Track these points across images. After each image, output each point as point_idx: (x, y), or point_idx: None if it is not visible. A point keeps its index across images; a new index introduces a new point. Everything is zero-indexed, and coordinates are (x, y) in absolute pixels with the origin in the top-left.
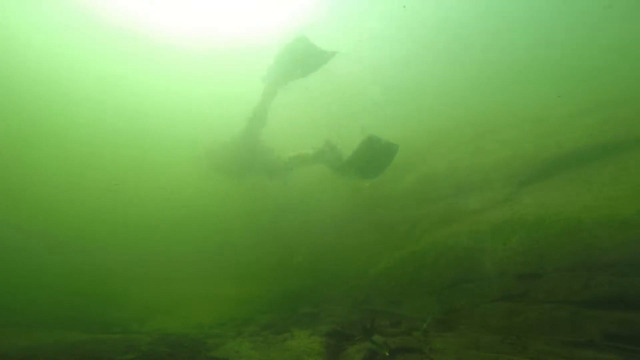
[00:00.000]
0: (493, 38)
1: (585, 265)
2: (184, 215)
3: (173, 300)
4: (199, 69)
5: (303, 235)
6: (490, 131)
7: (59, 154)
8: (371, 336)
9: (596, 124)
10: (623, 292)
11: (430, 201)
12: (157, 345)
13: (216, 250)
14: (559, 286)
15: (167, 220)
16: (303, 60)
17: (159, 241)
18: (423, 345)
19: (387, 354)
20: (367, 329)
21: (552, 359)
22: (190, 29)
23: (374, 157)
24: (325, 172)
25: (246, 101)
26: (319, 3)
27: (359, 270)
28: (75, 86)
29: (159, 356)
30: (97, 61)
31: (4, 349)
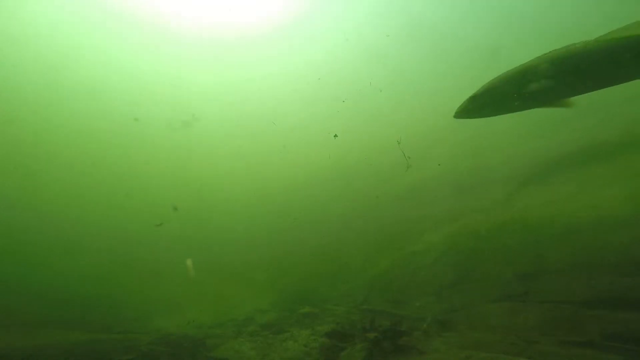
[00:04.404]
0: (484, 36)
1: (585, 265)
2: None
3: (173, 300)
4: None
5: (304, 234)
6: (490, 131)
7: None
8: (371, 336)
9: (596, 124)
10: (623, 292)
11: (430, 201)
12: (157, 345)
13: (214, 248)
14: (559, 286)
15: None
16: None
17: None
18: (423, 345)
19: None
20: (367, 329)
21: (552, 359)
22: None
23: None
24: (326, 171)
25: None
26: None
27: (359, 270)
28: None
29: (159, 356)
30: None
31: (4, 349)
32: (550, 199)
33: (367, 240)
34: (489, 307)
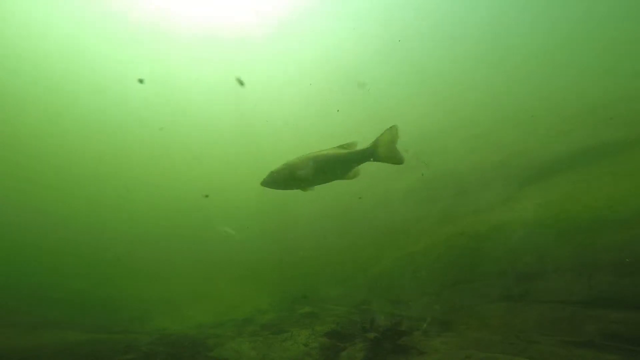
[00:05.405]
0: (488, 35)
1: (585, 265)
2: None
3: (173, 300)
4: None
5: (304, 234)
6: (490, 131)
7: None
8: (371, 336)
9: (596, 124)
10: (623, 292)
11: (430, 201)
12: (157, 345)
13: (215, 249)
14: (559, 286)
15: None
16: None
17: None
18: (423, 345)
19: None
20: (367, 329)
21: (552, 359)
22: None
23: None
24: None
25: None
26: None
27: (359, 270)
28: None
29: (159, 356)
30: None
31: (4, 349)
32: (550, 199)
33: (367, 240)
34: (489, 307)
